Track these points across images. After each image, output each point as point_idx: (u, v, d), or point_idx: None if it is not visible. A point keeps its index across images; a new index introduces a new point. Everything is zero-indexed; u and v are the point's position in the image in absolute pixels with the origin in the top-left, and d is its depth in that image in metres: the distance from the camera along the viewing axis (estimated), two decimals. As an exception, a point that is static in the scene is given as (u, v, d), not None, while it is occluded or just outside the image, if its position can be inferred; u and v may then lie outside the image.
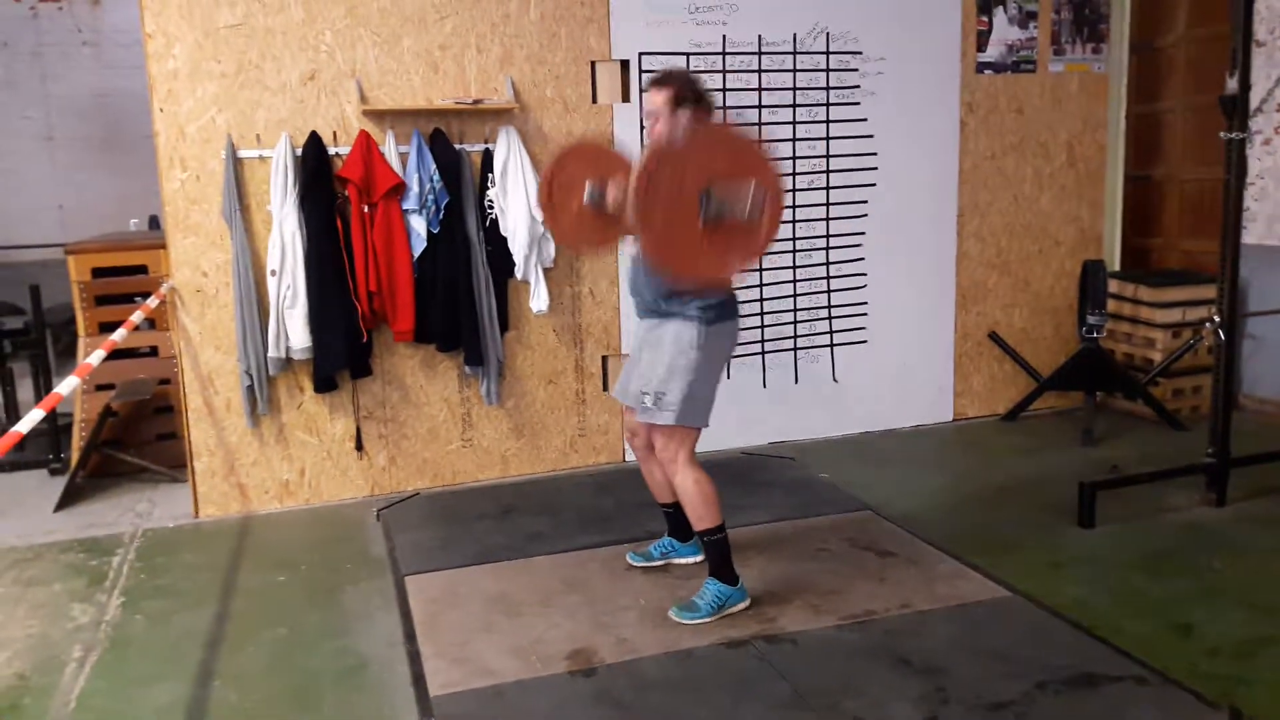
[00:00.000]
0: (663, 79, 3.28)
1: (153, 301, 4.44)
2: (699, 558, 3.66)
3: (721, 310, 3.25)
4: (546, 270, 4.71)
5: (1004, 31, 5.40)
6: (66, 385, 3.23)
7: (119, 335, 3.94)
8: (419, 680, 3.01)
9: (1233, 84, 3.96)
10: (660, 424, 3.25)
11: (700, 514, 3.29)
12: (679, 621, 3.27)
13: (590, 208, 3.42)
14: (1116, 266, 5.92)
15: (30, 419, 2.84)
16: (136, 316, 4.22)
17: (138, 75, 4.96)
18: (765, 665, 3.01)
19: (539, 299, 4.68)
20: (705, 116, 3.25)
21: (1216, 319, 4.13)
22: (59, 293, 6.06)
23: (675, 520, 3.68)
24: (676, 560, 3.71)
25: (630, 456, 5.05)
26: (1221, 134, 4.02)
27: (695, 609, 3.29)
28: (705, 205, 2.81)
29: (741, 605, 3.34)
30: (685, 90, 3.23)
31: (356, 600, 3.63)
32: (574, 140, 3.60)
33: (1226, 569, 3.65)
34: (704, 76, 4.86)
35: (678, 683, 2.95)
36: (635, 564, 3.73)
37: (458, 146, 4.54)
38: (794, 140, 5.11)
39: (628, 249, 3.36)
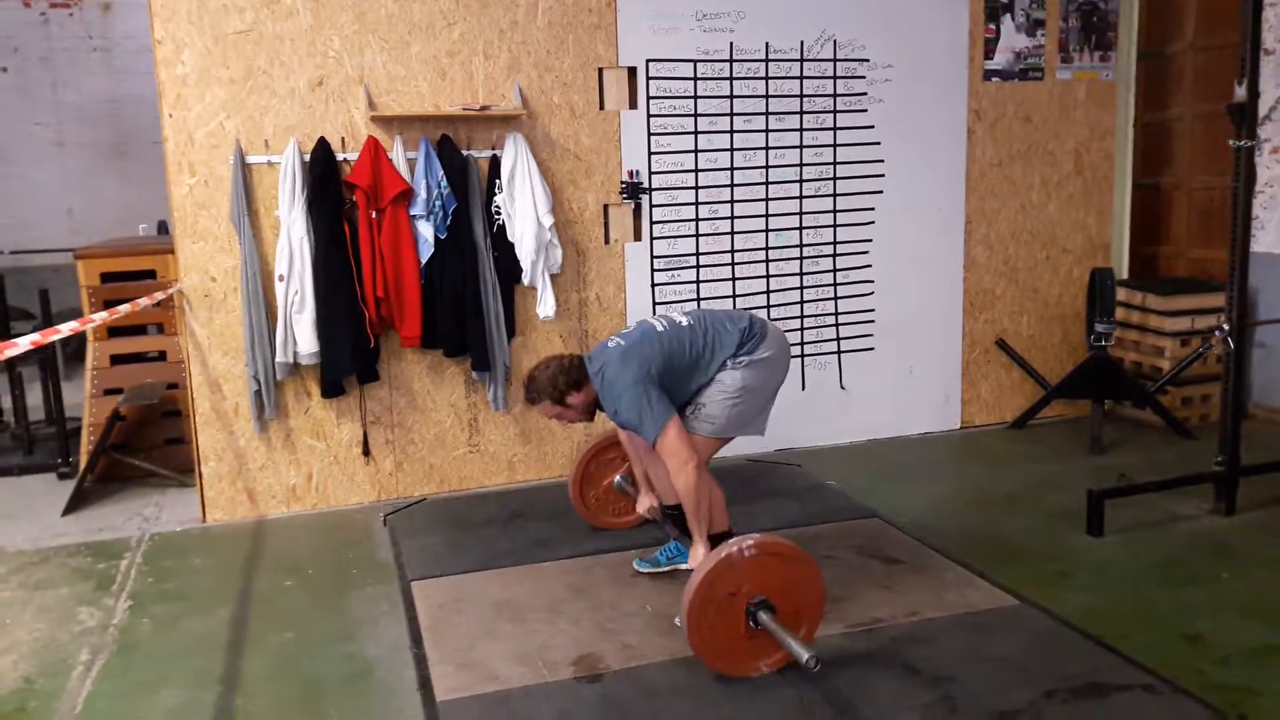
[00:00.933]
0: (532, 397, 3.46)
1: (143, 302, 4.38)
2: None
3: (754, 348, 3.40)
4: (553, 276, 4.71)
5: (1011, 39, 5.40)
6: (65, 328, 3.25)
7: (124, 309, 3.95)
8: (425, 685, 3.01)
9: (1241, 92, 3.95)
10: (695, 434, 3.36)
11: (711, 518, 3.37)
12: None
13: (618, 492, 4.09)
14: (1125, 274, 5.91)
15: (25, 342, 2.86)
16: (123, 308, 4.15)
17: (147, 81, 5.00)
18: (771, 673, 3.00)
19: (545, 305, 4.69)
20: (589, 387, 3.41)
21: (1225, 327, 4.11)
22: (69, 297, 6.08)
23: (680, 523, 3.68)
24: (683, 566, 3.71)
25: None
26: (1230, 142, 4.02)
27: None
28: (752, 617, 2.93)
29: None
30: (555, 390, 3.40)
31: (363, 605, 3.63)
32: (587, 448, 4.12)
33: (1236, 578, 3.63)
34: (711, 84, 4.91)
35: (684, 690, 2.94)
36: (641, 570, 3.73)
37: (465, 153, 4.55)
38: (801, 147, 5.11)
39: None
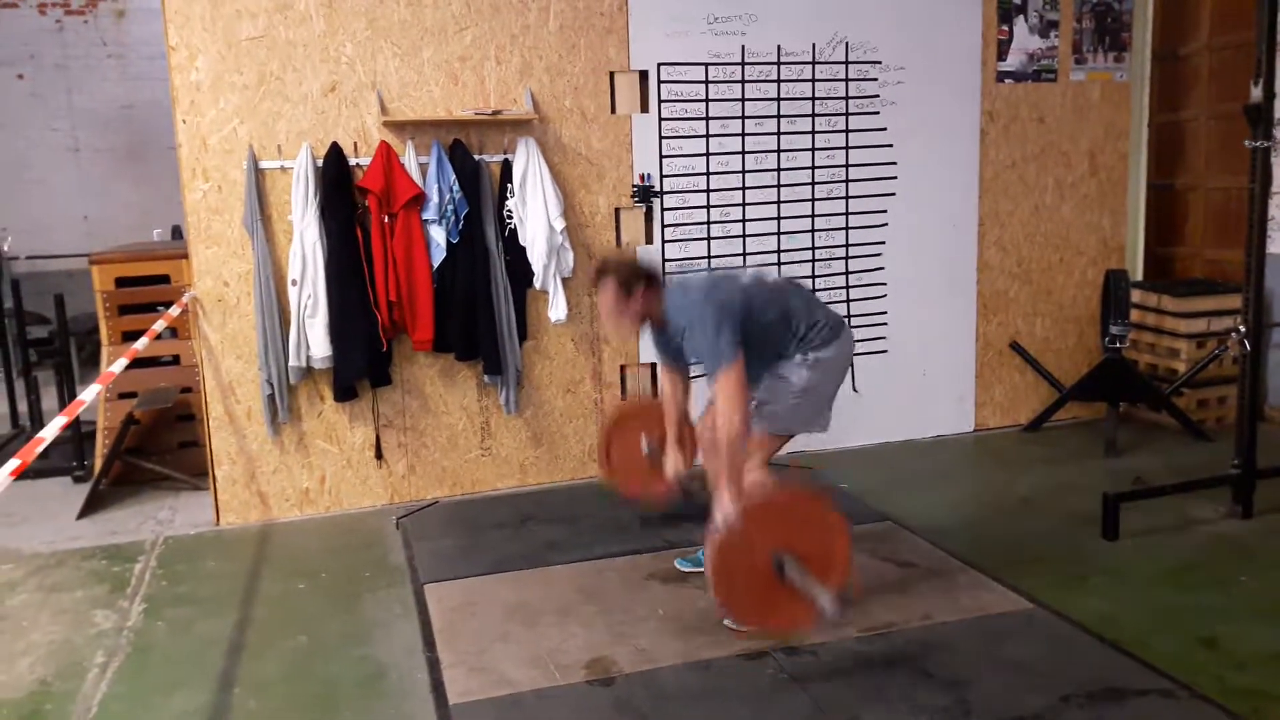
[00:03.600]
0: (602, 271, 3.34)
1: (174, 310, 4.48)
2: None
3: (825, 342, 3.35)
4: (565, 280, 4.71)
5: (1025, 40, 5.38)
6: (90, 393, 3.26)
7: (141, 344, 3.97)
8: (438, 688, 3.01)
9: (1257, 92, 3.92)
10: (756, 431, 3.29)
11: None
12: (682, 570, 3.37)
13: (649, 459, 3.83)
14: (1140, 276, 5.88)
15: (53, 427, 2.87)
16: (158, 326, 4.25)
17: (161, 87, 5.03)
18: (785, 677, 2.99)
19: (557, 308, 4.69)
20: (660, 296, 3.32)
21: (1242, 329, 4.08)
22: (84, 302, 6.12)
23: None
24: None
25: (649, 466, 5.04)
26: (1246, 142, 3.99)
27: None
28: (781, 571, 2.92)
29: None
30: (629, 276, 3.29)
31: (376, 608, 3.64)
32: (620, 405, 4.01)
33: (1253, 581, 3.60)
34: (723, 87, 4.90)
35: (696, 694, 2.93)
36: (683, 569, 3.72)
37: (477, 157, 4.56)
38: (813, 150, 5.10)
39: None
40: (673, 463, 3.66)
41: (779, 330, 3.30)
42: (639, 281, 3.28)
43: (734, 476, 3.10)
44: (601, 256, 3.35)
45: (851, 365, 3.51)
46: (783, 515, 2.92)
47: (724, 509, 3.01)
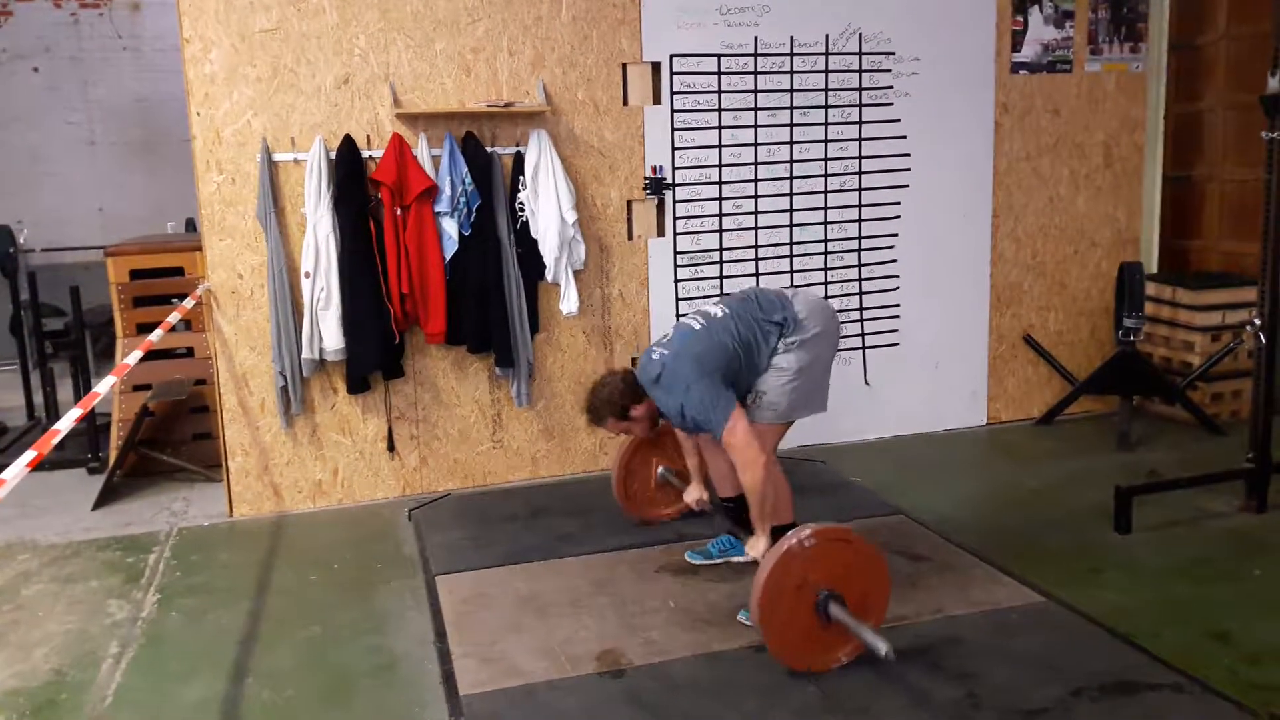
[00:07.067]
0: (596, 418, 3.59)
1: (189, 303, 4.50)
2: None
3: (803, 327, 3.35)
4: (577, 272, 4.72)
5: (1039, 31, 5.34)
6: (104, 385, 3.29)
7: (156, 336, 3.99)
8: (449, 679, 3.03)
9: (1274, 83, 3.89)
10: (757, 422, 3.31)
11: (776, 510, 3.33)
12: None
13: (661, 484, 4.10)
14: (1154, 268, 5.84)
15: (68, 419, 2.90)
16: (173, 318, 4.27)
17: (176, 80, 5.04)
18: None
19: (569, 301, 4.69)
20: (649, 404, 3.50)
21: (1257, 322, 4.06)
22: (99, 294, 6.15)
23: (735, 515, 3.68)
24: (736, 559, 3.70)
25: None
26: (1263, 134, 3.96)
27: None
28: (823, 611, 2.92)
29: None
30: (617, 407, 3.52)
31: (388, 599, 3.66)
32: (632, 440, 4.04)
33: (1267, 575, 3.58)
34: (735, 78, 4.89)
35: (707, 685, 2.94)
36: (694, 562, 3.74)
37: (489, 149, 4.56)
38: (826, 142, 5.09)
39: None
40: (695, 493, 3.84)
41: (753, 352, 3.33)
42: (630, 403, 3.52)
43: (767, 519, 3.25)
44: (586, 401, 3.63)
45: (835, 345, 3.52)
46: (821, 555, 2.91)
47: (759, 551, 3.16)
